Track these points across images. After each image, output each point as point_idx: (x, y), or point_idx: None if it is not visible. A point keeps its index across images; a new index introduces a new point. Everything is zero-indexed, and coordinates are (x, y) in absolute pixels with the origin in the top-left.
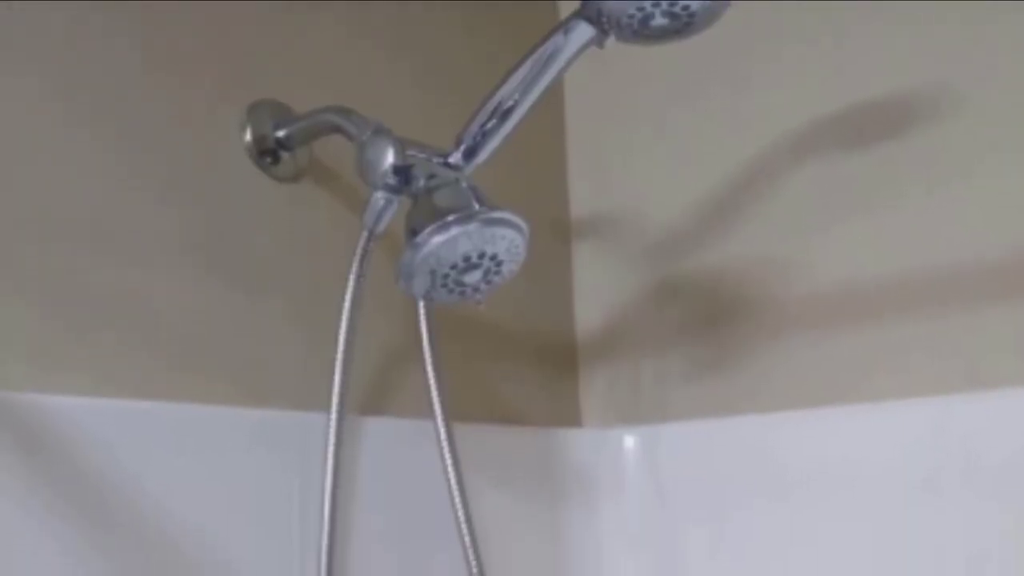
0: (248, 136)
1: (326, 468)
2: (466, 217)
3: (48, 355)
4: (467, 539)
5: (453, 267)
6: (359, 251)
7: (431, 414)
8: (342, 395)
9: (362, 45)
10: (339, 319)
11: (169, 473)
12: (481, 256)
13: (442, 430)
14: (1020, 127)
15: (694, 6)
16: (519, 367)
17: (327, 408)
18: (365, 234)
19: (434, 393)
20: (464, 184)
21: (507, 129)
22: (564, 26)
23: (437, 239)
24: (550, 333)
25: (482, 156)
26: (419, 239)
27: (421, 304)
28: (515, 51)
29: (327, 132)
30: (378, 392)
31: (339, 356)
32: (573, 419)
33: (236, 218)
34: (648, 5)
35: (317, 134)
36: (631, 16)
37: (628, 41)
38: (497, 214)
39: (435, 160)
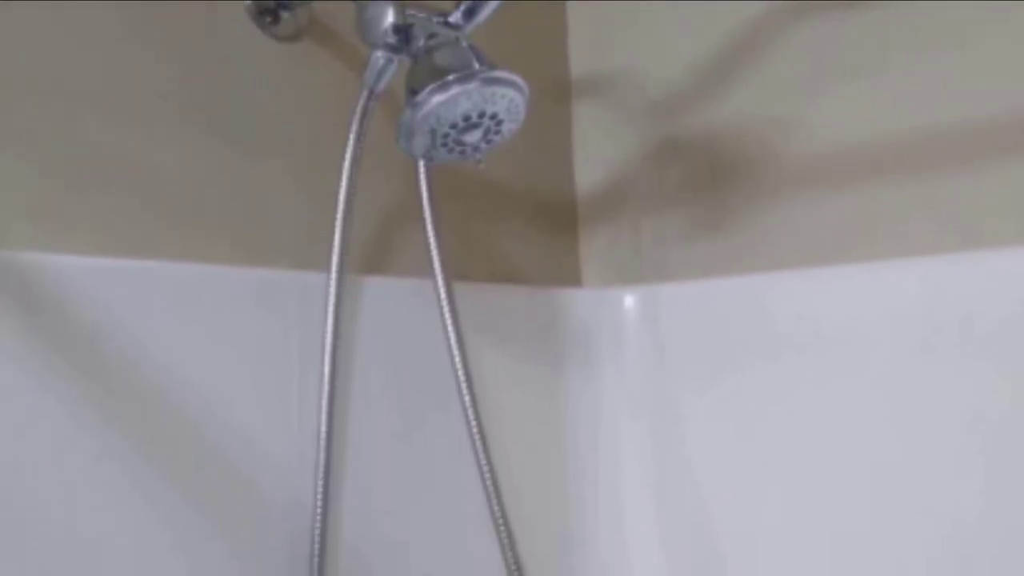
0: None
1: (326, 328)
2: (466, 76)
3: (48, 215)
4: (467, 398)
5: (453, 126)
6: (359, 110)
7: (431, 273)
8: (342, 254)
9: None
10: (339, 179)
11: (169, 332)
12: (481, 115)
13: (442, 289)
14: None
15: None
16: (519, 227)
17: (327, 268)
18: (365, 93)
19: (434, 252)
20: (464, 43)
21: None
22: None
23: (437, 98)
24: (550, 193)
25: (482, 16)
26: (419, 98)
27: (421, 163)
28: None
29: None
30: (378, 252)
31: (339, 216)
32: (573, 279)
33: (236, 78)
34: None
35: None
36: None
37: None
38: (497, 73)
39: (435, 20)
